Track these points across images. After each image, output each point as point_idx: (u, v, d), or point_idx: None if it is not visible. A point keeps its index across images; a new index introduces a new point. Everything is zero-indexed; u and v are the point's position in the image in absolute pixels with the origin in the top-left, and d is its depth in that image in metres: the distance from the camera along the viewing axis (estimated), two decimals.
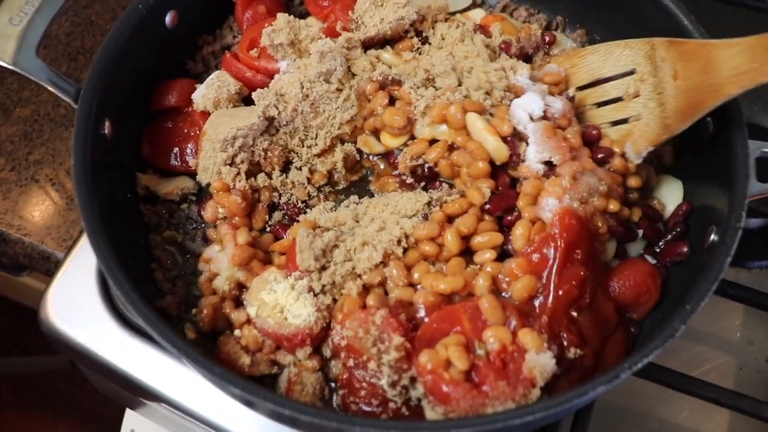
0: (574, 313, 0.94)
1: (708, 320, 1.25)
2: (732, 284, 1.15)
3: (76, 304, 1.11)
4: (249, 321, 0.98)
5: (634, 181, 1.09)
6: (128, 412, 1.43)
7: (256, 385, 0.84)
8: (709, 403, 1.07)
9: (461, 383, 0.86)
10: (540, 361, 0.86)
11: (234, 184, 1.08)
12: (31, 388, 2.38)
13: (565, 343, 0.92)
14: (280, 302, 0.95)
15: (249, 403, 0.88)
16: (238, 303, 1.02)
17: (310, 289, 0.96)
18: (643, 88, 1.09)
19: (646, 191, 1.15)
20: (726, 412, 1.15)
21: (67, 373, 2.19)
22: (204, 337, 1.01)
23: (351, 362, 0.92)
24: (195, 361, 0.83)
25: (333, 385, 0.97)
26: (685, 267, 1.05)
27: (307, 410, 0.78)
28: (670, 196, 1.15)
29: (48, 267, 1.26)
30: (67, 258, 1.15)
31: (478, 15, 1.30)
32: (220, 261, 1.05)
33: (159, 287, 1.06)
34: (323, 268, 0.97)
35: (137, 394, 1.12)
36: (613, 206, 1.05)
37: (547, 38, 1.24)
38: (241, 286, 1.02)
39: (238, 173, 1.09)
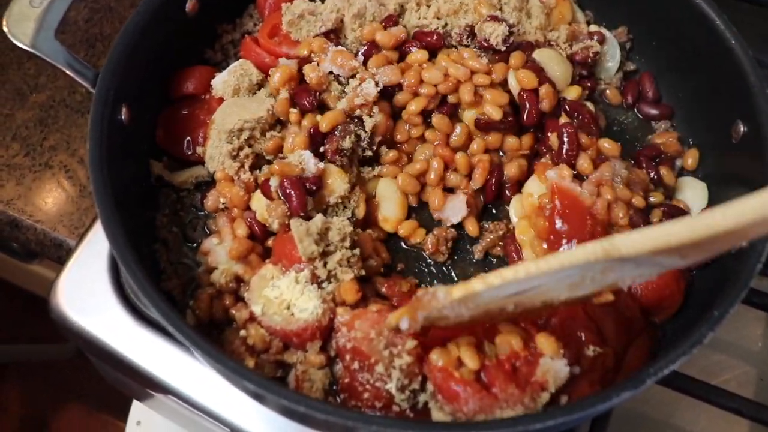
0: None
1: (729, 328, 1.21)
2: (756, 292, 1.12)
3: (86, 293, 1.09)
4: (253, 319, 0.96)
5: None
6: (135, 403, 1.42)
7: (269, 380, 0.82)
8: (727, 413, 1.05)
9: (471, 383, 0.84)
10: (554, 366, 0.85)
11: (238, 176, 1.06)
12: (36, 373, 2.38)
13: (583, 339, 0.90)
14: (285, 298, 0.93)
15: (260, 398, 0.86)
16: (238, 297, 1.00)
17: (314, 280, 0.94)
18: None
19: (668, 193, 1.13)
20: (745, 423, 1.12)
21: (73, 360, 2.19)
22: (203, 326, 0.99)
23: (356, 365, 0.89)
24: (209, 354, 0.81)
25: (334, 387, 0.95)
26: (710, 272, 1.02)
27: (322, 407, 0.76)
28: (695, 198, 1.12)
29: (60, 254, 1.24)
30: (79, 246, 1.14)
31: None
32: (218, 254, 1.03)
33: (163, 269, 1.04)
34: (324, 253, 0.95)
35: (145, 385, 1.11)
36: (637, 201, 1.04)
37: (596, 36, 1.21)
38: (240, 280, 1.01)
39: (242, 166, 1.07)
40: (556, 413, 0.75)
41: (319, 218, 0.96)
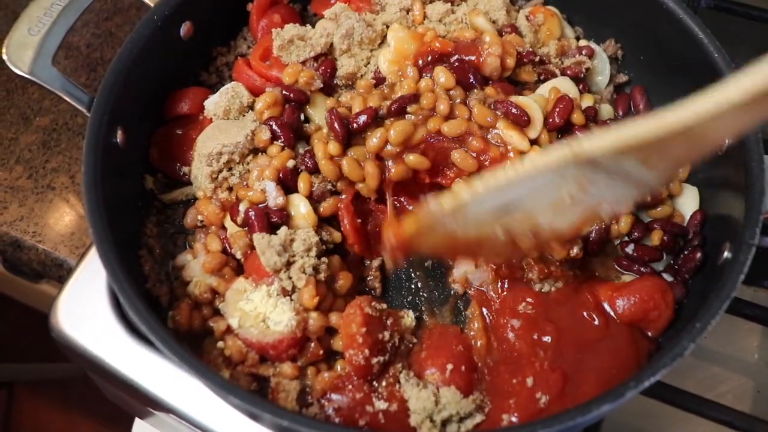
0: None
1: (724, 340, 1.22)
2: (749, 304, 1.12)
3: (86, 311, 1.11)
4: (230, 330, 0.97)
5: None
6: (137, 421, 1.43)
7: (256, 396, 0.84)
8: (723, 426, 1.04)
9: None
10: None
11: (216, 194, 1.08)
12: (47, 392, 2.40)
13: None
14: (260, 311, 0.95)
15: (252, 416, 0.87)
16: (216, 310, 1.02)
17: (285, 292, 0.96)
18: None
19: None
20: None
21: (83, 379, 2.21)
22: (183, 335, 1.01)
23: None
24: (188, 363, 0.83)
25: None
26: (702, 284, 1.03)
27: (308, 422, 0.78)
28: (687, 203, 1.14)
29: (61, 274, 1.27)
30: (79, 265, 1.16)
31: None
32: (192, 268, 1.05)
33: (147, 274, 1.06)
34: (289, 263, 0.97)
35: (145, 403, 1.12)
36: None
37: (584, 51, 1.22)
38: (215, 292, 1.03)
39: (220, 187, 1.09)
40: (536, 426, 0.75)
41: (283, 230, 0.98)
